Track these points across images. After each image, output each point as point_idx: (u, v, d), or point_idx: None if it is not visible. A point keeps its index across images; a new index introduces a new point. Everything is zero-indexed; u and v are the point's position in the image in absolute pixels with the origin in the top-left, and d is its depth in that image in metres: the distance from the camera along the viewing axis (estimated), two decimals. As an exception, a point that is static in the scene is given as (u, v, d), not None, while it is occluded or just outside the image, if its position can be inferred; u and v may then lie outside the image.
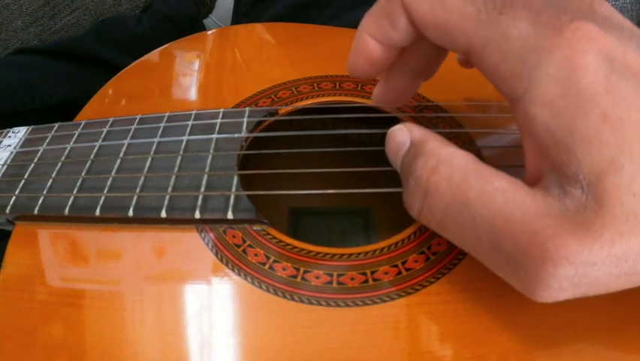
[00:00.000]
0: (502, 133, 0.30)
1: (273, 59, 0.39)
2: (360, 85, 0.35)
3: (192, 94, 0.37)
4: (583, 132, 0.17)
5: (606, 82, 0.17)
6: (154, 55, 0.41)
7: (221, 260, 0.25)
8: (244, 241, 0.26)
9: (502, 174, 0.19)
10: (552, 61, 0.17)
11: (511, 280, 0.19)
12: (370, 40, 0.23)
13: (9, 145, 0.33)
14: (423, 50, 0.24)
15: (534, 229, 0.17)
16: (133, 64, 0.40)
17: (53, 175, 0.30)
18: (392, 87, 0.26)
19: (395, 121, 0.32)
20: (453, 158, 0.20)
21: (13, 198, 0.29)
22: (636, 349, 0.21)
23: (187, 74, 0.39)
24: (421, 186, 0.20)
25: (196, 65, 0.40)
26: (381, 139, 0.35)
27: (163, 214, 0.26)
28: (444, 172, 0.20)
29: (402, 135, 0.22)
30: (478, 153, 0.29)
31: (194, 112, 0.32)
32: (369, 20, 0.23)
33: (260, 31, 0.43)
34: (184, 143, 0.30)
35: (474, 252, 0.20)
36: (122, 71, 0.40)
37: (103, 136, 0.31)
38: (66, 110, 0.51)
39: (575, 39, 0.17)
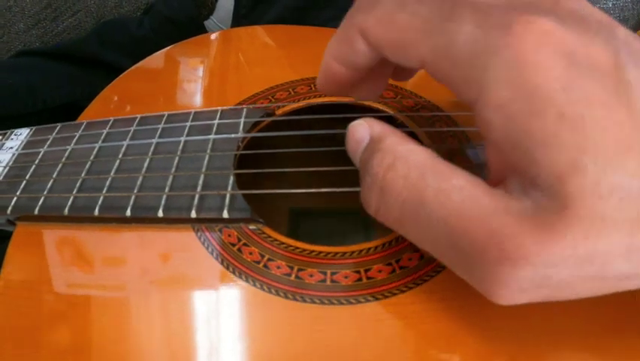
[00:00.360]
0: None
1: (272, 61, 0.40)
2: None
3: (192, 96, 0.38)
4: (539, 134, 0.16)
5: (564, 78, 0.16)
6: (155, 58, 0.41)
7: (217, 259, 0.25)
8: (239, 240, 0.26)
9: (461, 171, 0.18)
10: (501, 61, 0.16)
11: (470, 280, 0.19)
12: (335, 64, 0.23)
13: (11, 147, 0.33)
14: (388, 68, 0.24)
15: (492, 227, 0.17)
16: (134, 67, 0.40)
17: (54, 176, 0.30)
18: (365, 90, 0.26)
19: (391, 121, 0.32)
20: (410, 155, 0.19)
21: (15, 198, 0.29)
22: (616, 354, 0.21)
23: (187, 76, 0.40)
24: (377, 183, 0.20)
25: (196, 67, 0.41)
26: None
27: (160, 214, 0.27)
28: (400, 170, 0.19)
29: (362, 130, 0.22)
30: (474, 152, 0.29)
31: (192, 111, 0.33)
32: (332, 46, 0.23)
33: (259, 33, 0.43)
34: (182, 143, 0.30)
35: (432, 250, 0.20)
36: (124, 73, 0.40)
37: (103, 137, 0.32)
38: (68, 111, 0.51)
39: (525, 35, 0.16)
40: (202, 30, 0.56)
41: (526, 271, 0.16)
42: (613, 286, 0.17)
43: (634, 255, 0.16)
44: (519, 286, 0.17)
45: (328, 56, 0.23)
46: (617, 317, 0.22)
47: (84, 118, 0.36)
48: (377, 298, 0.23)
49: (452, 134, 0.31)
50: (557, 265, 0.16)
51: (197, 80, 0.39)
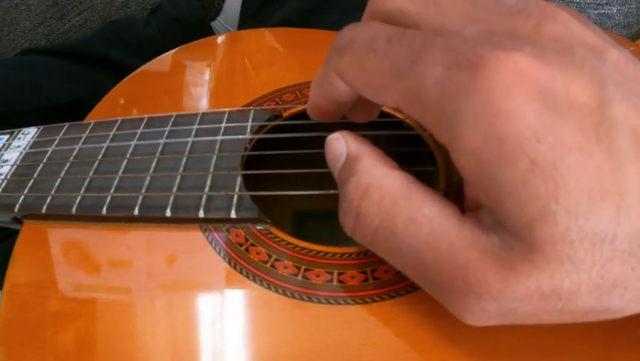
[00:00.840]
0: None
1: (278, 63, 0.40)
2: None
3: (198, 98, 0.38)
4: (509, 183, 0.15)
5: (537, 125, 0.15)
6: (162, 59, 0.42)
7: (224, 258, 0.26)
8: (247, 240, 0.26)
9: (435, 199, 0.18)
10: (470, 108, 0.15)
11: (441, 302, 0.19)
12: (321, 100, 0.22)
13: (19, 146, 0.34)
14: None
15: (458, 261, 0.17)
16: (141, 68, 0.41)
17: (62, 175, 0.30)
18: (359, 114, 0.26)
19: (398, 125, 0.32)
20: (384, 181, 0.19)
21: (22, 197, 0.30)
22: None
23: (194, 78, 0.40)
24: (353, 210, 0.20)
25: (203, 69, 0.41)
26: (386, 141, 0.36)
27: (168, 213, 0.27)
28: (374, 196, 0.19)
29: (338, 146, 0.22)
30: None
31: (200, 112, 0.33)
32: (316, 84, 0.22)
33: (265, 36, 0.44)
34: (189, 144, 0.31)
35: (403, 272, 0.20)
36: (131, 74, 0.40)
37: (110, 137, 0.32)
38: (73, 109, 0.51)
39: (494, 77, 0.15)
40: (209, 31, 0.57)
41: (490, 304, 0.17)
42: (580, 318, 0.17)
43: (604, 294, 0.16)
44: (485, 314, 0.17)
45: (313, 93, 0.23)
46: (606, 329, 0.22)
47: (91, 118, 0.36)
48: (383, 299, 0.23)
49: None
50: (522, 300, 0.16)
51: (205, 82, 0.39)
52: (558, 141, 0.15)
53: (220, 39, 0.45)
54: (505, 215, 0.16)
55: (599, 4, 0.54)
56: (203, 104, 0.37)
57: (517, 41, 0.16)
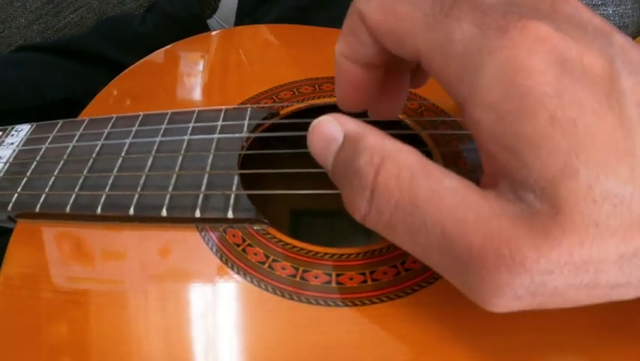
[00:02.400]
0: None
1: (275, 60, 0.39)
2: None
3: (195, 94, 0.38)
4: (530, 136, 0.16)
5: (556, 83, 0.16)
6: (157, 55, 0.41)
7: (221, 259, 0.25)
8: (244, 240, 0.26)
9: (451, 173, 0.18)
10: (495, 62, 0.16)
11: (462, 287, 0.18)
12: (346, 62, 0.22)
13: (12, 143, 0.33)
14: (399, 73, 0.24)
15: (489, 231, 0.16)
16: (135, 64, 0.40)
17: (55, 173, 0.30)
18: (385, 105, 0.26)
19: (395, 124, 0.32)
20: (399, 154, 0.19)
21: (15, 195, 0.29)
22: None
23: (190, 74, 0.40)
24: (368, 186, 0.18)
25: (199, 65, 0.40)
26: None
27: (164, 213, 0.27)
28: (391, 169, 0.18)
29: (332, 128, 0.21)
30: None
31: (196, 110, 0.32)
32: (340, 41, 0.22)
33: (262, 32, 0.43)
34: (185, 142, 0.30)
35: (423, 256, 0.19)
36: (125, 71, 0.40)
37: (105, 135, 0.32)
38: (68, 107, 0.51)
39: (520, 39, 0.16)
40: (205, 28, 0.56)
41: (523, 278, 0.16)
42: (604, 294, 0.17)
43: (626, 263, 0.16)
44: (514, 294, 0.16)
45: (337, 54, 0.23)
46: (609, 331, 0.22)
47: (86, 115, 0.35)
48: (382, 301, 0.23)
49: (456, 137, 0.31)
50: (553, 273, 0.16)
51: (201, 78, 0.39)
52: (575, 100, 0.15)
53: (217, 35, 0.44)
54: (526, 172, 0.16)
55: (594, 4, 0.54)
56: (200, 101, 0.37)
57: (537, 14, 0.17)
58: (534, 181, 0.16)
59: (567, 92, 0.15)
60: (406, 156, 0.18)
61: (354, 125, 0.20)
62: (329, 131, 0.21)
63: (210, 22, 0.57)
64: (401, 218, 0.18)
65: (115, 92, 0.38)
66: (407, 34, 0.19)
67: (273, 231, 0.26)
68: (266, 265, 0.25)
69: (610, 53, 0.16)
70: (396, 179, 0.18)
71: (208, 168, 0.28)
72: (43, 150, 0.32)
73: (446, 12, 0.18)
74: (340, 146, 0.20)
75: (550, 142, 0.15)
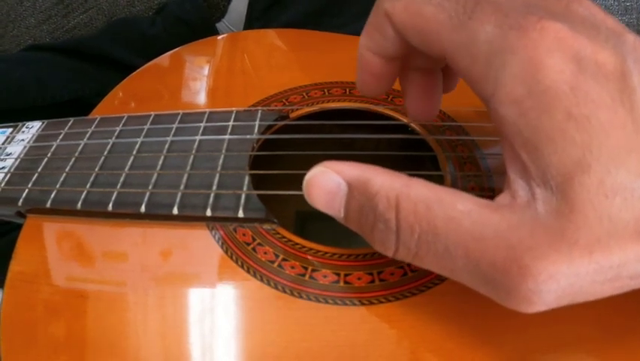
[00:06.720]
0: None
1: (284, 65, 0.40)
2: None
3: (203, 98, 0.38)
4: (548, 131, 0.17)
5: (572, 81, 0.17)
6: (165, 58, 0.42)
7: (231, 257, 0.26)
8: (254, 240, 0.26)
9: (463, 194, 0.19)
10: (516, 61, 0.17)
11: (498, 300, 0.19)
12: (369, 54, 0.24)
13: (22, 140, 0.34)
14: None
15: (509, 244, 0.17)
16: (143, 67, 0.41)
17: (67, 170, 0.30)
18: (420, 107, 0.27)
19: (402, 128, 0.33)
20: (410, 189, 0.19)
21: (26, 191, 0.29)
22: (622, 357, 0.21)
23: (198, 77, 0.40)
24: (392, 228, 0.19)
25: (207, 69, 0.41)
26: (388, 145, 0.36)
27: (175, 211, 0.27)
28: (407, 206, 0.19)
29: (331, 179, 0.21)
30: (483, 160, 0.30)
31: (207, 111, 0.33)
32: (364, 35, 0.24)
33: (271, 36, 0.44)
34: (196, 142, 0.30)
35: (455, 278, 0.20)
36: (133, 73, 0.40)
37: (116, 134, 0.32)
38: (76, 107, 0.51)
39: (539, 39, 0.17)
40: (214, 32, 0.56)
41: (550, 285, 0.17)
42: (626, 285, 0.18)
43: None
44: (543, 301, 0.17)
45: (361, 47, 0.24)
46: (620, 328, 0.22)
47: (95, 114, 0.36)
48: (389, 300, 0.23)
49: (462, 142, 0.31)
50: (578, 274, 0.16)
51: (210, 81, 0.39)
52: (590, 98, 0.16)
53: (226, 38, 0.45)
54: (543, 165, 0.17)
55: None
56: (207, 105, 0.37)
57: (554, 15, 0.18)
58: (551, 175, 0.17)
59: (582, 89, 0.16)
60: (416, 189, 0.19)
61: (353, 171, 0.21)
62: (330, 184, 0.21)
63: (219, 25, 0.57)
64: (425, 248, 0.19)
65: (122, 95, 0.38)
66: (433, 34, 0.20)
67: (282, 231, 0.27)
68: (275, 264, 0.25)
69: (622, 51, 0.17)
70: (414, 215, 0.19)
71: (219, 168, 0.29)
72: (54, 146, 0.32)
73: (469, 14, 0.19)
74: (348, 194, 0.21)
75: (566, 136, 0.16)
